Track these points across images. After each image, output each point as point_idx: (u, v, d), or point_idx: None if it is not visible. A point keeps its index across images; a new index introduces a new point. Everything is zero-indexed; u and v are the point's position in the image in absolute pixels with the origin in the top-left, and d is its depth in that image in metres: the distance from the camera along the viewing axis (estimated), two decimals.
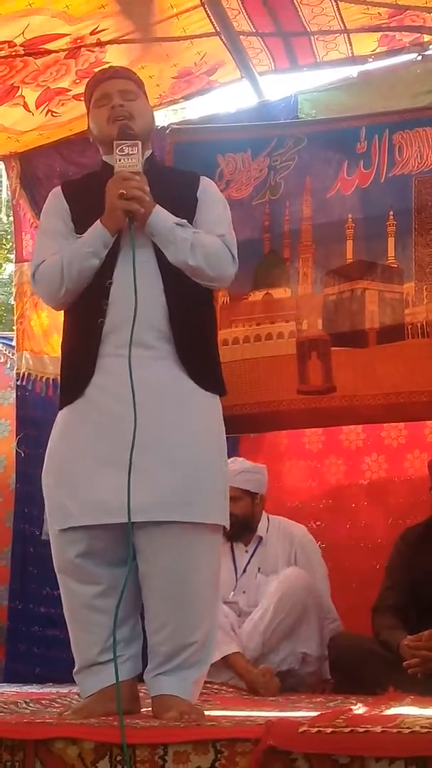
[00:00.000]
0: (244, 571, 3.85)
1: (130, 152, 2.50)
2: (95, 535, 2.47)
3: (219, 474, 2.56)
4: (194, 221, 2.61)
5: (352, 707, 2.47)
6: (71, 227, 2.63)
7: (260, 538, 3.93)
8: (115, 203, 2.49)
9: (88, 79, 2.80)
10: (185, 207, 2.61)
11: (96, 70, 3.96)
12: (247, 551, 3.90)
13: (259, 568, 3.85)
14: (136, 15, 3.83)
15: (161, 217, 2.52)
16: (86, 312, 2.57)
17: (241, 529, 3.79)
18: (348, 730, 1.87)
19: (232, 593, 3.78)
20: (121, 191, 2.47)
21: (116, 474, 2.35)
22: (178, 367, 2.51)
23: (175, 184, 2.69)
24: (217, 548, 2.58)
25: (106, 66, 2.84)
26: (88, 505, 2.45)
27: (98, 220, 2.52)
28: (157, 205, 2.52)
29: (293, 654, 3.61)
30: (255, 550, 3.90)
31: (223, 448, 2.62)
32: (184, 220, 2.55)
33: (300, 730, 1.87)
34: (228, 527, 2.62)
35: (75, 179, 3.00)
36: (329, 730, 1.87)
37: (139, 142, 2.52)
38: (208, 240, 2.56)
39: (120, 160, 2.51)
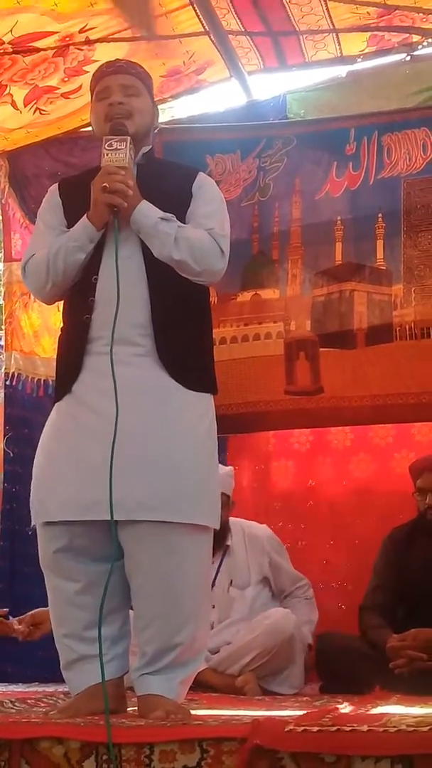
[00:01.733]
0: (213, 584, 3.63)
1: (118, 147, 2.49)
2: (77, 531, 2.45)
3: (204, 473, 2.50)
4: (186, 215, 2.58)
5: (339, 706, 2.48)
6: (64, 222, 2.62)
7: (226, 547, 3.77)
8: (98, 197, 2.48)
9: (94, 71, 2.75)
10: (180, 201, 2.60)
11: (85, 68, 4.02)
12: (213, 563, 3.70)
13: (231, 581, 3.73)
14: (134, 12, 3.83)
15: (145, 211, 2.50)
16: (75, 308, 2.57)
17: (219, 540, 3.46)
18: (334, 729, 1.86)
19: None
20: (104, 184, 2.46)
21: (97, 471, 2.34)
22: (159, 365, 2.49)
23: (172, 178, 2.68)
24: (205, 549, 2.53)
25: (113, 59, 2.79)
26: (67, 502, 2.44)
27: (85, 215, 2.52)
28: (144, 200, 2.51)
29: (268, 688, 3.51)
30: (222, 561, 3.74)
31: (211, 447, 2.57)
32: (171, 215, 2.52)
33: (286, 729, 1.87)
34: (217, 527, 2.56)
35: (73, 176, 2.98)
36: (315, 729, 1.86)
37: (128, 138, 2.51)
38: (194, 234, 2.52)
39: (107, 155, 2.50)
